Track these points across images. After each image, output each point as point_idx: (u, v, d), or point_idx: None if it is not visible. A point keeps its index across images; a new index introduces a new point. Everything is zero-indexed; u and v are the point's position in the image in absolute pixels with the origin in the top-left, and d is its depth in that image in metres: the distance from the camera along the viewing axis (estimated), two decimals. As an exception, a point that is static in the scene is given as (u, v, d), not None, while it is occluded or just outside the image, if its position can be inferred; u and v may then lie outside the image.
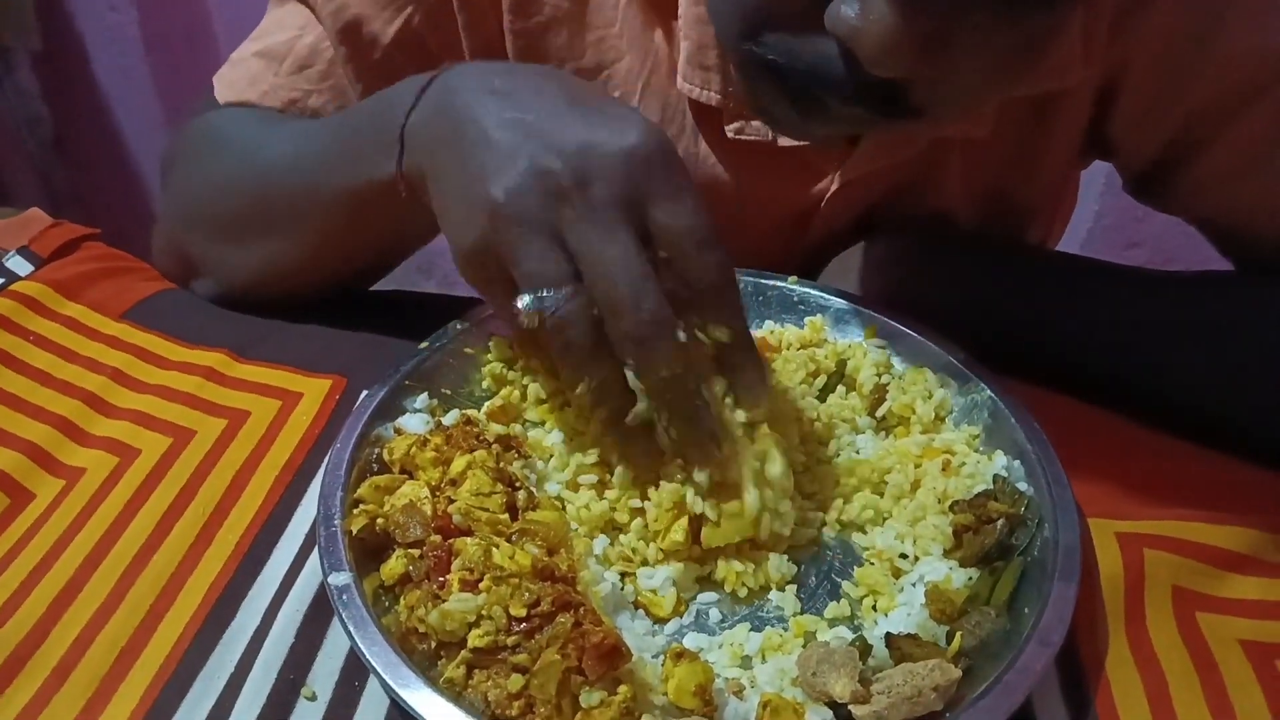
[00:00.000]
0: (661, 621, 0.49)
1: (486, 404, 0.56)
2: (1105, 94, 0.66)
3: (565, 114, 0.47)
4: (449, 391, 0.57)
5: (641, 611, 0.49)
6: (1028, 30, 0.47)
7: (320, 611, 0.48)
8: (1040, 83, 0.63)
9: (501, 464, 0.50)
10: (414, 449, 0.50)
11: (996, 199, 0.71)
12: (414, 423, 0.54)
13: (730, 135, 0.66)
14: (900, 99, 0.48)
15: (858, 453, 0.57)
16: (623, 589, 0.49)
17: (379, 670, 0.42)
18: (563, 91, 0.49)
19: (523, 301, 0.45)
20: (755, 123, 0.65)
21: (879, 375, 0.59)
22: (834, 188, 0.68)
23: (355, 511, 0.48)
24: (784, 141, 0.65)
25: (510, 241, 0.45)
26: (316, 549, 0.47)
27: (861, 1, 0.44)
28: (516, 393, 0.57)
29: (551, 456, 0.54)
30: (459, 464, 0.49)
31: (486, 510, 0.47)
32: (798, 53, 0.49)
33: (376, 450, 0.52)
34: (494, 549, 0.45)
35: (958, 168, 0.69)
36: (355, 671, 0.46)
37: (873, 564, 0.52)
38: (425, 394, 0.56)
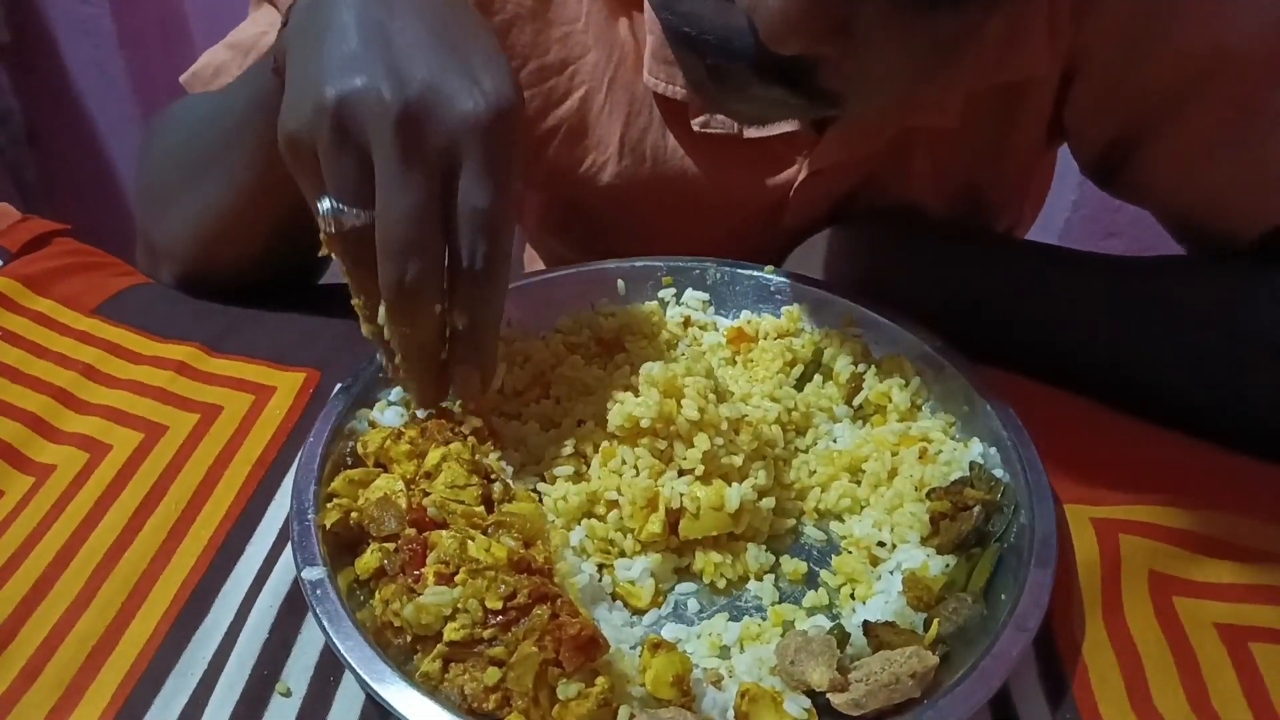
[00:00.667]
0: (640, 613, 0.49)
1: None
2: (1064, 81, 0.66)
3: (429, 44, 0.46)
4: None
5: (619, 603, 0.49)
6: (935, 28, 0.47)
7: (294, 607, 0.48)
8: (1008, 73, 0.63)
9: (477, 456, 0.50)
10: (388, 442, 0.50)
11: (966, 189, 0.72)
12: (389, 416, 0.53)
13: (696, 129, 0.66)
14: (810, 80, 0.48)
15: (835, 441, 0.57)
16: (600, 580, 0.49)
17: (354, 665, 0.42)
18: (439, 19, 0.47)
19: (323, 205, 0.45)
20: (721, 116, 0.65)
21: (855, 364, 0.59)
22: (801, 177, 0.68)
23: (329, 505, 0.47)
24: (750, 133, 0.65)
25: (326, 143, 0.44)
26: (290, 544, 0.47)
27: None
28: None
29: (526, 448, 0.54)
30: (434, 457, 0.49)
31: (462, 503, 0.47)
32: (709, 22, 0.48)
33: (350, 444, 0.52)
34: (470, 541, 0.44)
35: (927, 158, 0.69)
36: (330, 667, 0.46)
37: (850, 552, 0.52)
38: (399, 387, 0.55)
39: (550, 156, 0.69)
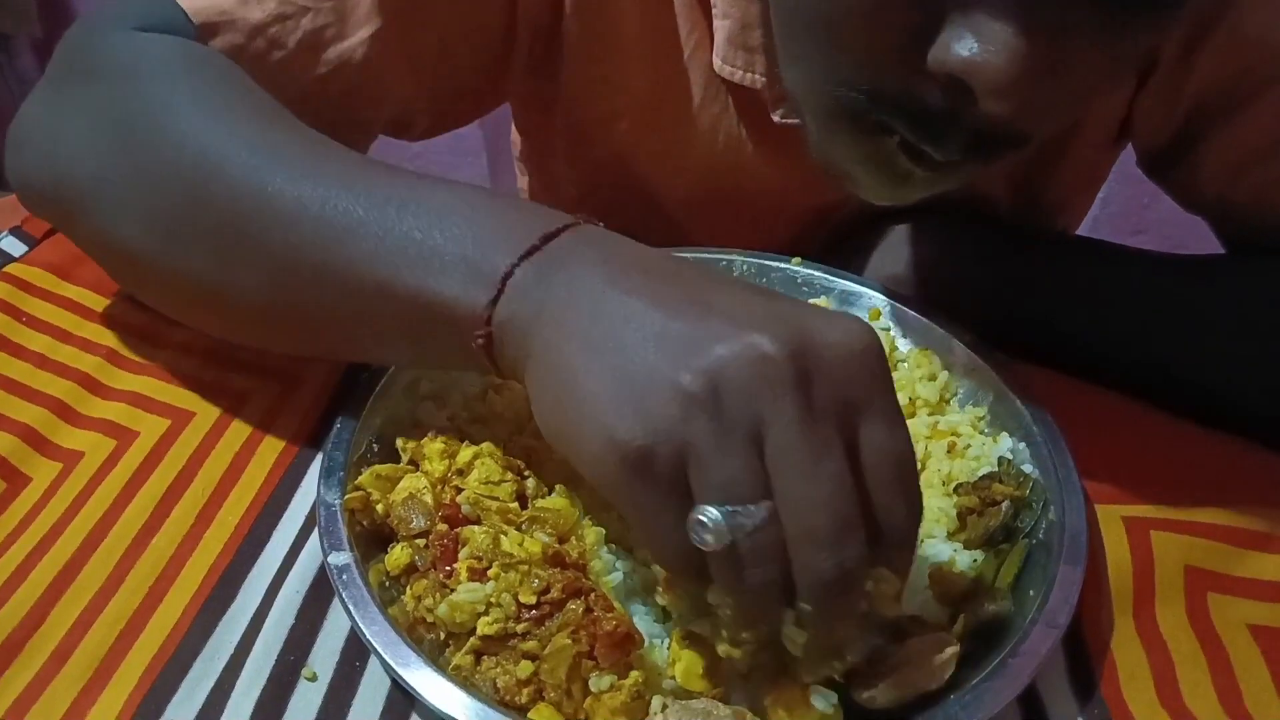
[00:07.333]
0: None
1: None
2: (1140, 81, 0.65)
3: (761, 299, 0.39)
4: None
5: (652, 599, 0.49)
6: (1126, 46, 0.44)
7: (321, 592, 0.48)
8: None
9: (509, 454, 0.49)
10: (425, 440, 0.50)
11: (1034, 183, 0.70)
12: (438, 420, 0.53)
13: (777, 120, 0.63)
14: (1009, 135, 0.46)
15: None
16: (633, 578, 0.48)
17: (379, 650, 0.42)
18: (732, 281, 0.41)
19: (709, 515, 0.35)
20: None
21: (883, 357, 0.58)
22: None
23: (353, 492, 0.47)
24: None
25: (702, 435, 0.35)
26: (316, 529, 0.47)
27: (977, 33, 0.40)
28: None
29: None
30: (465, 454, 0.49)
31: (496, 499, 0.46)
32: (899, 102, 0.45)
33: (377, 431, 0.52)
34: (503, 536, 0.44)
35: None
36: (356, 652, 0.46)
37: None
38: (425, 376, 0.55)
39: (617, 137, 0.69)
